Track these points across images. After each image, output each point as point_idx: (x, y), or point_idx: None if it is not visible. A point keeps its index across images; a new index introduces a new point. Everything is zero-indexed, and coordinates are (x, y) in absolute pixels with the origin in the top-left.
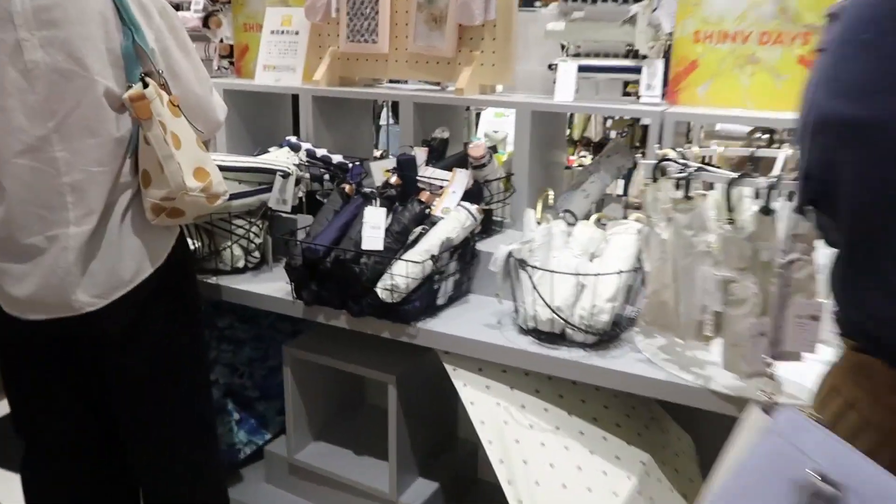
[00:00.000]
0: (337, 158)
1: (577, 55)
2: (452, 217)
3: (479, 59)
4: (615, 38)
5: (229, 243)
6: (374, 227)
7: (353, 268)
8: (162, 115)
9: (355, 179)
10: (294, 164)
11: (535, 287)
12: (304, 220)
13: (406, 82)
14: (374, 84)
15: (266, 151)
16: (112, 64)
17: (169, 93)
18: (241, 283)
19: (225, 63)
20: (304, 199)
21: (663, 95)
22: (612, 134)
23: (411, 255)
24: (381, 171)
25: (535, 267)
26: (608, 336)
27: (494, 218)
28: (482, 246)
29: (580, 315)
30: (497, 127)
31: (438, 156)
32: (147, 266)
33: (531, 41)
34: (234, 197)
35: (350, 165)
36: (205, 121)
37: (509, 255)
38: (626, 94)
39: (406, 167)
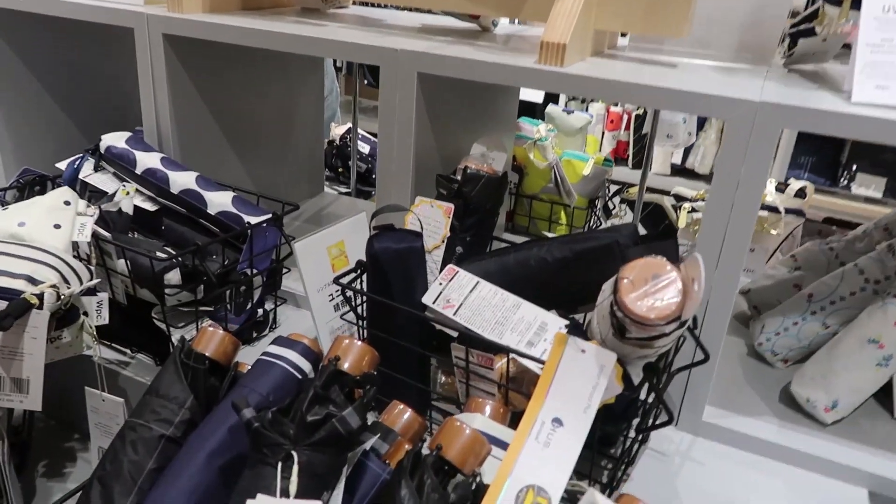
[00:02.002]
0: (219, 201)
1: None
2: None
3: None
4: None
5: None
6: None
7: None
8: None
9: (261, 266)
10: (86, 241)
11: None
12: (99, 401)
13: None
14: (326, 10)
15: (38, 182)
16: None
17: None
18: None
19: None
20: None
21: None
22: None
23: None
24: (327, 255)
25: None
26: None
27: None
28: None
29: None
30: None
31: (479, 227)
32: None
33: None
34: None
35: (248, 226)
36: None
37: None
38: None
39: (394, 274)
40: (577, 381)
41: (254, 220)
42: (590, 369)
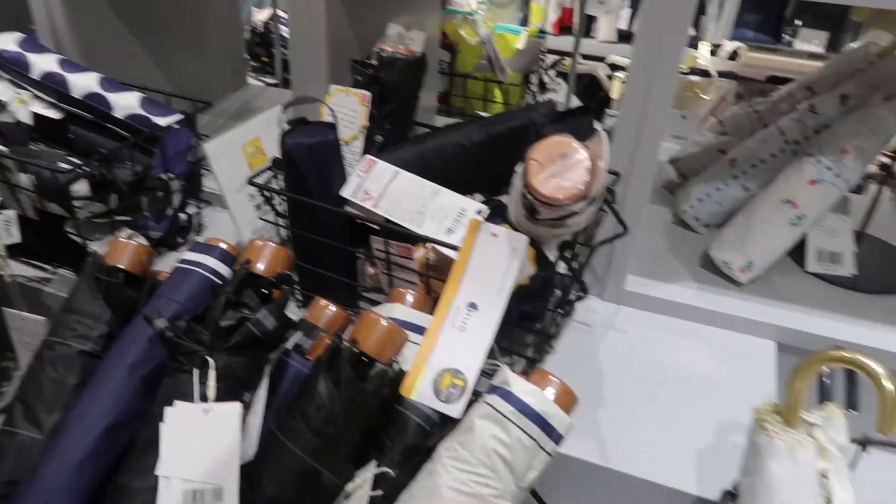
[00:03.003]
0: (125, 103)
1: None
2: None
3: None
4: None
5: None
6: None
7: None
8: None
9: (177, 170)
10: None
11: None
12: (19, 321)
13: None
14: None
15: None
16: None
17: None
18: None
19: None
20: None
21: None
22: None
23: None
24: (243, 153)
25: None
26: None
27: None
28: None
29: None
30: None
31: (399, 114)
32: None
33: None
34: None
35: (157, 129)
36: None
37: None
38: None
39: (309, 169)
40: (491, 266)
41: (163, 121)
42: (502, 253)
